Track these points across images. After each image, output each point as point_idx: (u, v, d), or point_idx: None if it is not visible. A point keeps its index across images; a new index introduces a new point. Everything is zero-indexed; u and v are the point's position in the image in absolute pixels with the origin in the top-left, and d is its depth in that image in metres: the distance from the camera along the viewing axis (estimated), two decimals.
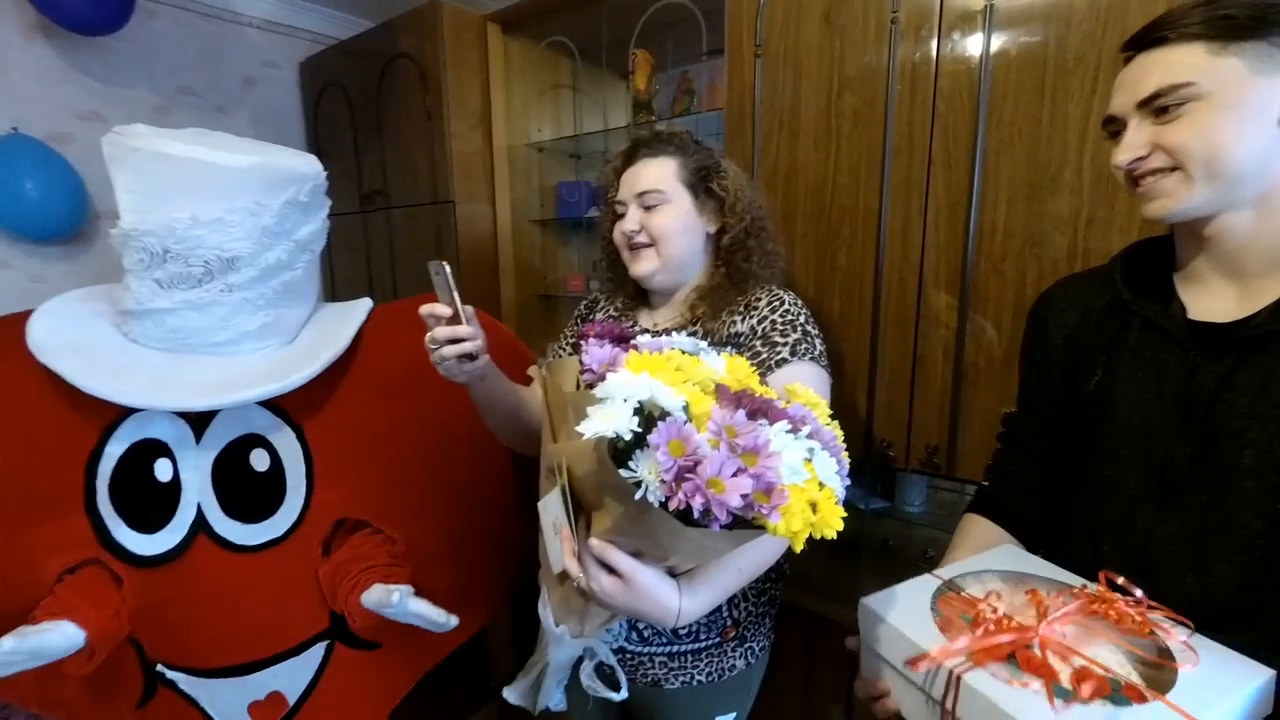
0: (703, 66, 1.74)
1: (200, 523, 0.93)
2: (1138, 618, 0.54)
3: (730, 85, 1.33)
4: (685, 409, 0.52)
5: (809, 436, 0.54)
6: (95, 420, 0.89)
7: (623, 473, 0.50)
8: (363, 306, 1.10)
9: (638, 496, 0.50)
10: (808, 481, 0.51)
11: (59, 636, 0.79)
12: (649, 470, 0.49)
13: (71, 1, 1.59)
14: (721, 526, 0.49)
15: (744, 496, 0.47)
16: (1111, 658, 0.51)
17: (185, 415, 0.92)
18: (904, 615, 0.59)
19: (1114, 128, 0.64)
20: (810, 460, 0.53)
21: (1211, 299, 0.63)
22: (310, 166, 0.97)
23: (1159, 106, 0.58)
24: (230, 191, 0.87)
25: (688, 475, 0.48)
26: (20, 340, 0.88)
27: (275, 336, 0.99)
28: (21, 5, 1.66)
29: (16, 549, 0.87)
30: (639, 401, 0.51)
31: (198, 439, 0.93)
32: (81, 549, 0.88)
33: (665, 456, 0.48)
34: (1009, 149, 1.03)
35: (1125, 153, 0.61)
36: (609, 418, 0.50)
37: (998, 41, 1.02)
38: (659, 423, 0.49)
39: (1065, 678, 0.49)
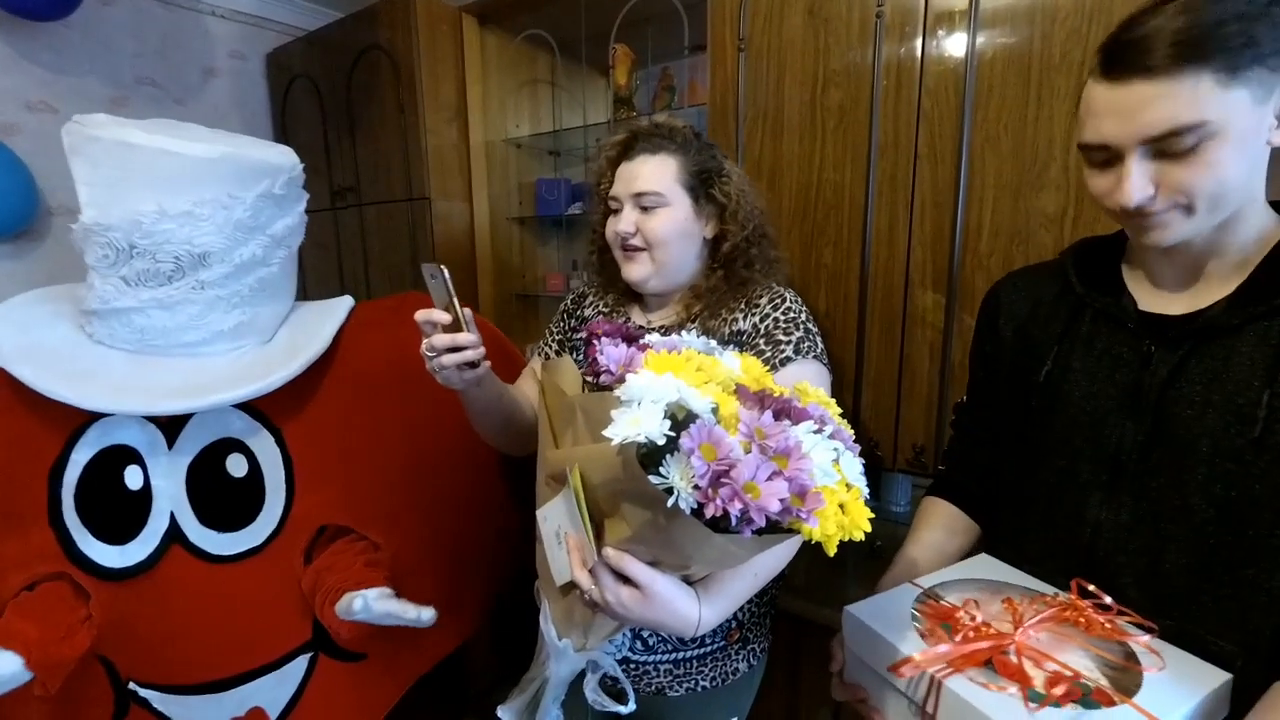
0: (684, 63, 1.72)
1: (174, 532, 0.89)
2: (1106, 624, 0.57)
3: (713, 80, 1.31)
4: (714, 411, 0.50)
5: (831, 437, 0.53)
6: (59, 427, 0.84)
7: (652, 479, 0.48)
8: (344, 305, 1.06)
9: (669, 504, 0.47)
10: (838, 483, 0.50)
11: None
12: (680, 476, 0.47)
13: None
14: (753, 532, 0.47)
15: (781, 501, 0.45)
16: (1082, 663, 0.53)
17: (156, 420, 0.88)
18: (887, 623, 0.61)
19: (1101, 156, 0.58)
20: (838, 461, 0.52)
21: (1163, 295, 0.63)
22: (285, 158, 0.93)
23: (1167, 146, 0.53)
24: (198, 183, 0.83)
25: (723, 480, 0.46)
26: None
27: (251, 336, 0.95)
28: None
29: None
30: (666, 405, 0.49)
31: (170, 444, 0.89)
32: (46, 563, 0.83)
33: (699, 461, 0.46)
34: (994, 146, 1.03)
35: (1136, 194, 0.55)
36: (637, 422, 0.47)
37: (983, 37, 1.02)
38: (690, 425, 0.47)
39: (1040, 683, 0.51)
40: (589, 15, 1.68)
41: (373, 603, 0.86)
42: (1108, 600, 0.58)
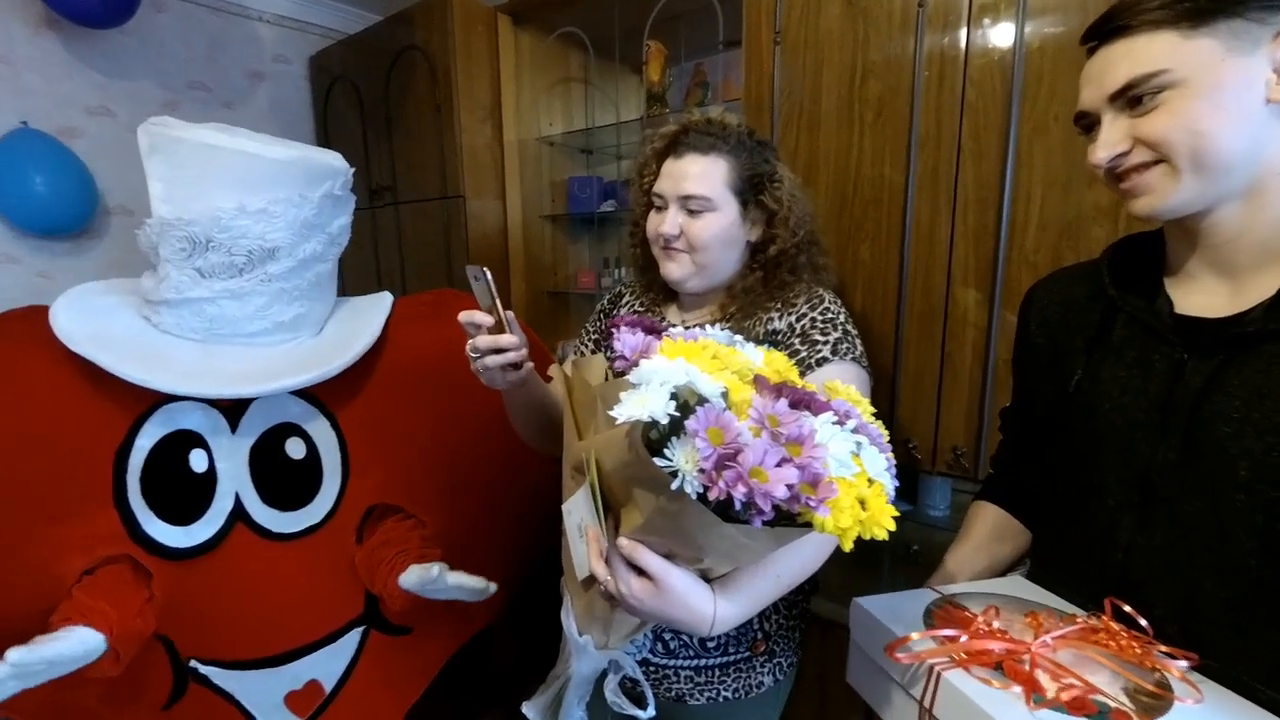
0: (718, 59, 1.71)
1: (238, 512, 0.94)
2: (1139, 650, 0.52)
3: (748, 75, 1.30)
4: (724, 396, 0.49)
5: (854, 431, 0.52)
6: (123, 413, 0.88)
7: (657, 461, 0.48)
8: (385, 300, 1.12)
9: (674, 487, 0.47)
10: (856, 476, 0.49)
11: (73, 643, 0.76)
12: (686, 459, 0.46)
13: None
14: (764, 523, 0.46)
15: (789, 487, 0.44)
16: (1108, 686, 0.48)
17: (218, 405, 0.92)
18: (895, 617, 0.59)
19: (1086, 123, 0.59)
20: (858, 454, 0.50)
21: (1201, 295, 0.58)
22: (341, 161, 0.99)
23: (1132, 98, 0.54)
24: (274, 183, 0.88)
25: (728, 464, 0.45)
26: (42, 331, 0.86)
27: (305, 328, 1.01)
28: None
29: (38, 547, 0.85)
30: (675, 388, 0.49)
31: (233, 429, 0.93)
32: (110, 544, 0.87)
33: (704, 443, 0.45)
34: (1044, 136, 0.99)
35: (1103, 150, 0.56)
36: (644, 402, 0.47)
37: (1032, 23, 0.98)
38: (697, 409, 0.47)
39: (1052, 693, 0.48)
40: (622, 12, 1.68)
41: (445, 574, 0.92)
42: (1143, 623, 0.54)
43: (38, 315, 0.89)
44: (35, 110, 1.70)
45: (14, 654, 0.72)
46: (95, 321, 0.89)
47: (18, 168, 1.62)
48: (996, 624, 0.55)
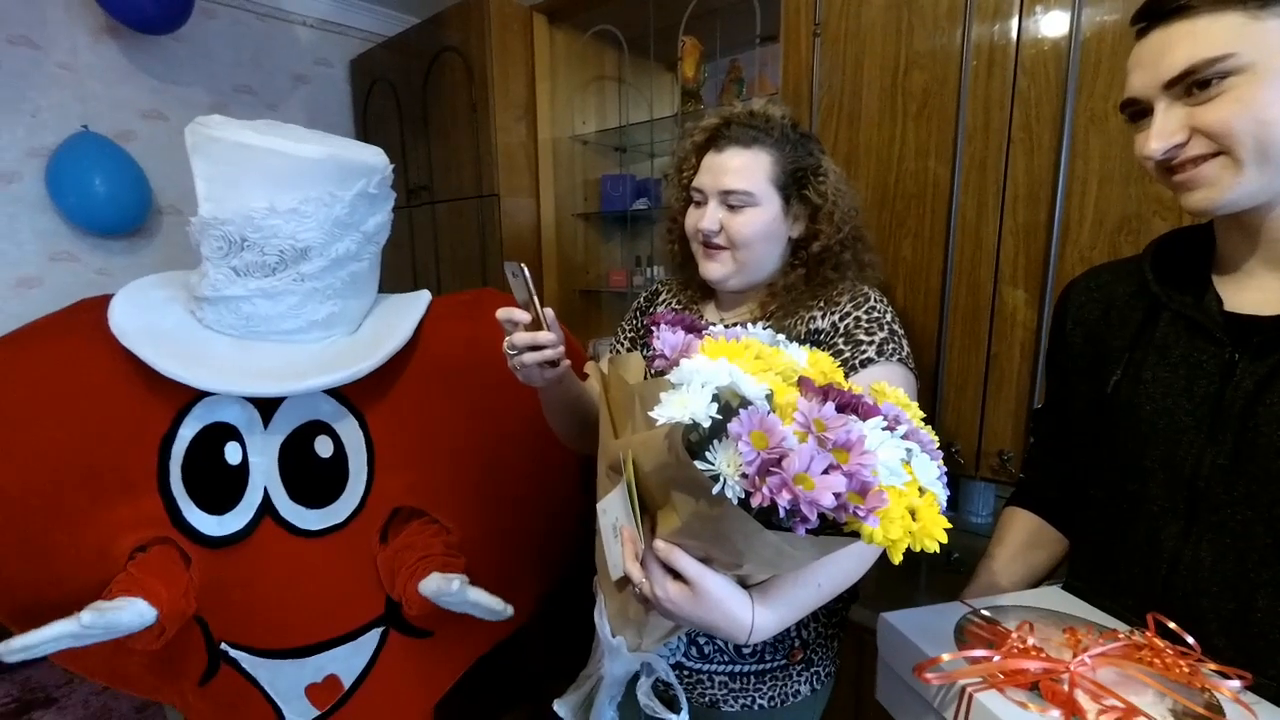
0: (753, 54, 1.68)
1: (266, 506, 0.96)
2: (1187, 668, 0.49)
3: (786, 68, 1.27)
4: (769, 398, 0.48)
5: (904, 437, 0.50)
6: (169, 403, 0.91)
7: (698, 464, 0.46)
8: (423, 299, 1.11)
9: (715, 491, 0.45)
10: (907, 484, 0.46)
11: (132, 613, 0.82)
12: (728, 463, 0.45)
13: (136, 1, 1.64)
14: (808, 531, 0.44)
15: (836, 495, 0.42)
16: (1153, 708, 0.45)
17: (253, 400, 0.94)
18: (924, 633, 0.57)
19: (1135, 110, 0.55)
20: (909, 462, 0.48)
21: (1255, 292, 0.55)
22: (379, 159, 0.99)
23: (1192, 84, 0.50)
24: (305, 182, 0.89)
25: (772, 469, 0.43)
26: (102, 322, 0.90)
27: (340, 326, 1.01)
28: (91, 7, 1.72)
29: (92, 527, 0.89)
30: (717, 389, 0.47)
31: (265, 424, 0.95)
32: (154, 528, 0.91)
33: (747, 447, 0.43)
34: (1102, 126, 0.94)
35: (1157, 140, 0.51)
36: (685, 403, 0.46)
37: (1089, 8, 0.94)
38: (740, 411, 0.45)
39: (1093, 716, 0.45)
40: (658, 9, 1.67)
41: (465, 588, 0.90)
42: (1190, 640, 0.51)
43: (99, 306, 0.94)
44: (94, 114, 1.78)
45: (85, 616, 0.79)
46: (146, 315, 0.92)
47: (79, 170, 1.70)
48: (1032, 641, 0.53)
